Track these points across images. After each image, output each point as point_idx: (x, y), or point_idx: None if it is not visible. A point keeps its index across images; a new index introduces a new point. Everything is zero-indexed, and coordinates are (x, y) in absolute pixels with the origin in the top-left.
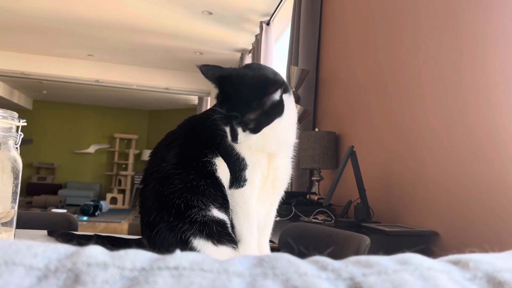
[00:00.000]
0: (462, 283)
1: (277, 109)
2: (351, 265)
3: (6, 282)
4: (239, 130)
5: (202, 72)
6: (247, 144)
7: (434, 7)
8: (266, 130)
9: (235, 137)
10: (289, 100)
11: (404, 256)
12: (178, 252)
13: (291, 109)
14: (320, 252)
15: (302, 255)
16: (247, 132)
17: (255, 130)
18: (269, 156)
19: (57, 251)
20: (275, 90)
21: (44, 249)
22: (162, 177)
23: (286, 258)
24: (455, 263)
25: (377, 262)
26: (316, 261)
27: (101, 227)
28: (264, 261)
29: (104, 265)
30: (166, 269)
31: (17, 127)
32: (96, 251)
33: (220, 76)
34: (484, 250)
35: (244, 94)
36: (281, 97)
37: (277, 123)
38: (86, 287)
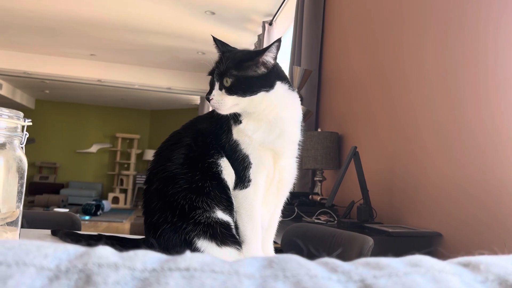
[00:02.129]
0: (474, 286)
1: (264, 82)
2: (361, 267)
3: (18, 282)
4: (216, 85)
5: (214, 39)
6: (252, 137)
7: (436, 8)
8: (272, 125)
9: (209, 91)
10: (292, 95)
11: (414, 258)
12: (188, 253)
13: (295, 104)
14: (324, 253)
15: (307, 255)
16: (223, 90)
17: (230, 89)
18: (274, 155)
19: (66, 251)
20: (266, 54)
21: (54, 250)
22: (167, 176)
23: (295, 260)
24: (465, 265)
25: (388, 264)
26: (326, 263)
27: (103, 227)
28: (274, 262)
29: (115, 266)
30: (177, 270)
31: (23, 126)
32: (106, 252)
33: (227, 49)
34: (492, 251)
35: (238, 55)
36: (271, 69)
37: (281, 116)
38: None
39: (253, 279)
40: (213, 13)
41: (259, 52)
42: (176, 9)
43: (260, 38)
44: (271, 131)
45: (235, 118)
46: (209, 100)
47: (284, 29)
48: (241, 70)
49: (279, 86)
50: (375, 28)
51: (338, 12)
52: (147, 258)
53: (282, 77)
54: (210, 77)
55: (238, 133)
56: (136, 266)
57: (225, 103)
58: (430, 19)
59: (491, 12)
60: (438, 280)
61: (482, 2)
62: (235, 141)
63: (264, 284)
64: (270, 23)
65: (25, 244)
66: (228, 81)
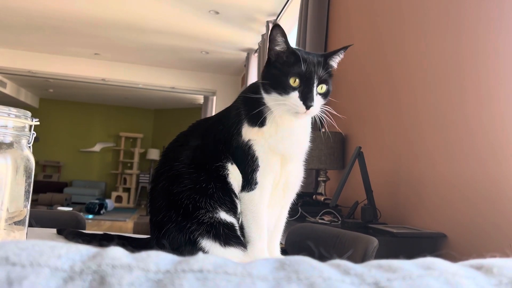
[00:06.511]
0: None
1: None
2: (374, 270)
3: (33, 283)
4: (314, 91)
5: (275, 28)
6: (268, 141)
7: (439, 9)
8: (283, 131)
9: (306, 98)
10: None
11: (426, 260)
12: (200, 254)
13: None
14: (329, 253)
15: (313, 254)
16: (318, 96)
17: (325, 95)
18: (283, 160)
19: (79, 252)
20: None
21: (67, 250)
22: (173, 175)
23: (308, 262)
24: (478, 268)
25: (400, 267)
26: (338, 265)
27: (106, 226)
28: (286, 264)
29: (129, 267)
30: (191, 272)
31: (30, 126)
32: (118, 253)
33: (294, 47)
34: (504, 254)
35: (320, 59)
36: None
37: (294, 123)
38: None
39: (267, 281)
40: (217, 13)
41: (331, 55)
42: (180, 8)
43: (264, 38)
44: (286, 138)
45: (252, 119)
46: (308, 108)
47: (288, 29)
48: (330, 76)
49: None
50: (380, 28)
51: (343, 11)
52: (160, 259)
53: None
54: (283, 78)
55: (254, 134)
56: (150, 268)
57: (317, 109)
58: (434, 20)
59: (491, 14)
60: (452, 283)
61: (483, 3)
62: (247, 141)
63: (277, 286)
64: (274, 23)
65: (38, 244)
66: (323, 88)
